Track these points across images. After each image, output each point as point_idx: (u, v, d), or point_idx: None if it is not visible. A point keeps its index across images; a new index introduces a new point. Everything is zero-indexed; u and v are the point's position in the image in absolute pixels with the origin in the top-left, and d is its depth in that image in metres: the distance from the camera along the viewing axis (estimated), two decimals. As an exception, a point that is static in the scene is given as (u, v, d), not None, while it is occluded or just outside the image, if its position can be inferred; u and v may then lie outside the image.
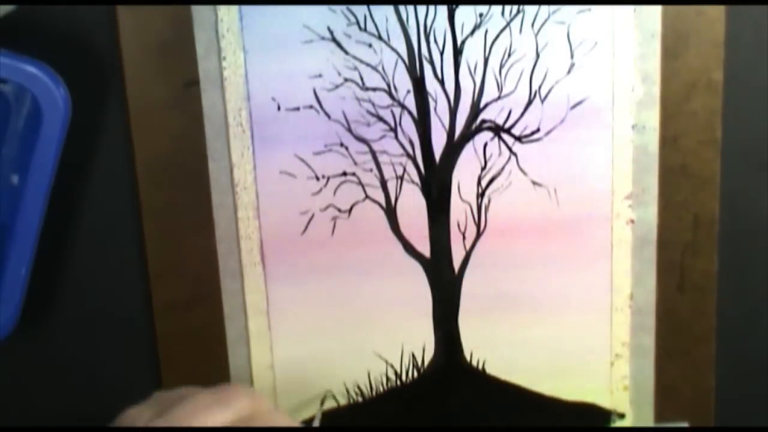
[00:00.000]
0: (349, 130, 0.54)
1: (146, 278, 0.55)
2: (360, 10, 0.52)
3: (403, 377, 0.58)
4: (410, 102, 0.54)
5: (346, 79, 0.53)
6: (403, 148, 0.55)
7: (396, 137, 0.54)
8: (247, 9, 0.52)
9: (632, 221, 0.56)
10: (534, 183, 0.55)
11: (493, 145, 0.55)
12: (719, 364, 0.58)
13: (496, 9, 0.52)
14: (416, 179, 0.55)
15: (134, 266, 0.56)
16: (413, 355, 0.58)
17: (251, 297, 0.56)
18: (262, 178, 0.54)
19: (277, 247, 0.56)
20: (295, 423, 0.43)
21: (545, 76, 0.54)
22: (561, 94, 0.54)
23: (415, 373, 0.58)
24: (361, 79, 0.53)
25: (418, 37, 0.53)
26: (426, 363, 0.58)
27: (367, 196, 0.55)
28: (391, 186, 0.55)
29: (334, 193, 0.55)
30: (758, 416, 0.60)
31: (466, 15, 0.52)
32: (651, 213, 0.55)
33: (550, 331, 0.57)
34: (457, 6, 0.52)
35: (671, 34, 0.53)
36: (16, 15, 0.52)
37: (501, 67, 0.53)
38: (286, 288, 0.56)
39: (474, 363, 0.58)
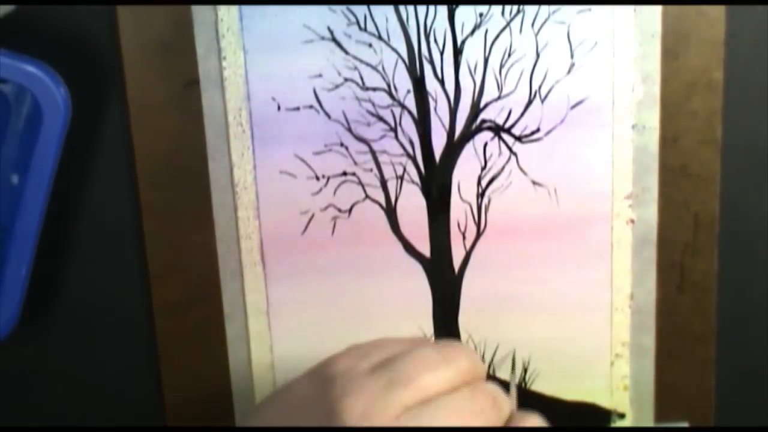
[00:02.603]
0: (349, 130, 0.54)
1: (146, 278, 0.55)
2: (360, 10, 0.52)
3: (403, 377, 0.58)
4: (410, 102, 0.54)
5: (346, 79, 0.53)
6: (403, 148, 0.55)
7: (396, 137, 0.54)
8: (247, 9, 0.52)
9: (632, 221, 0.56)
10: (534, 183, 0.55)
11: (493, 145, 0.55)
12: (719, 364, 0.58)
13: (496, 9, 0.52)
14: (416, 179, 0.55)
15: (134, 266, 0.56)
16: (413, 355, 0.57)
17: (251, 297, 0.56)
18: (262, 178, 0.54)
19: (277, 247, 0.56)
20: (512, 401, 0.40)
21: (545, 76, 0.54)
22: (561, 94, 0.54)
23: (415, 373, 0.58)
24: (361, 79, 0.53)
25: (418, 37, 0.53)
26: (426, 363, 0.58)
27: (367, 196, 0.55)
28: (391, 186, 0.55)
29: (334, 193, 0.55)
30: (758, 416, 0.60)
31: (466, 15, 0.52)
32: (651, 213, 0.55)
33: (550, 331, 0.57)
34: (457, 6, 0.52)
35: (671, 34, 0.53)
36: (16, 15, 0.52)
37: (501, 67, 0.53)
38: (286, 288, 0.56)
39: (474, 363, 0.58)
